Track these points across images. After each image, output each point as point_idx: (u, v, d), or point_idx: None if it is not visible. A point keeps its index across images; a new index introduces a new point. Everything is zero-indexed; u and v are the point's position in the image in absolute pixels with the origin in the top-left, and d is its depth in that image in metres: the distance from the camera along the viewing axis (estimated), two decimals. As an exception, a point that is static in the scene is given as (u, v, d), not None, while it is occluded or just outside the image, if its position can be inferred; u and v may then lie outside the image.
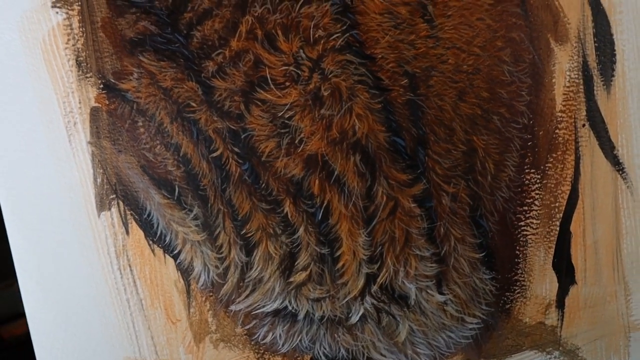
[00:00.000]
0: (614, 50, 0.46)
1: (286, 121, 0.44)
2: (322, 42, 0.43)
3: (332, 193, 0.45)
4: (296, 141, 0.44)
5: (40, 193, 0.44)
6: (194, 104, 0.43)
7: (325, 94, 0.44)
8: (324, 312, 0.47)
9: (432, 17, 0.44)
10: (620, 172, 0.48)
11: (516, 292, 0.48)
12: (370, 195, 0.45)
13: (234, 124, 0.44)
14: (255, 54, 0.43)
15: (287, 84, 0.43)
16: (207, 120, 0.44)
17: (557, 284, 0.49)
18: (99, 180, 0.44)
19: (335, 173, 0.45)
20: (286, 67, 0.43)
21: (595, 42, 0.46)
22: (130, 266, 0.45)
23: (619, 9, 0.45)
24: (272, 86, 0.43)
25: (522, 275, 0.48)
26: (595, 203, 0.48)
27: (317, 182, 0.45)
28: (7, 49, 0.42)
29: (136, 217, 0.45)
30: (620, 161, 0.47)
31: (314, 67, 0.43)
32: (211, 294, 0.46)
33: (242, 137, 0.44)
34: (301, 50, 0.43)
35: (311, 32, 0.43)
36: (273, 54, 0.43)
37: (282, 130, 0.44)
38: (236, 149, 0.44)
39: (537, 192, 0.47)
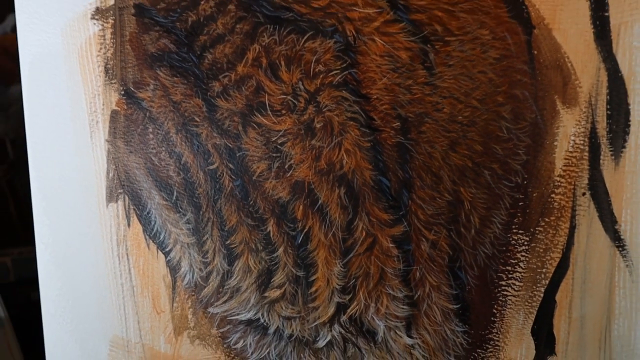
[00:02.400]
0: (629, 121, 0.43)
1: (278, 146, 0.46)
2: (321, 76, 0.45)
3: (314, 220, 0.47)
4: (286, 166, 0.46)
5: (62, 177, 0.50)
6: (197, 119, 0.47)
7: (318, 126, 0.46)
8: (293, 330, 0.49)
9: (433, 65, 0.44)
10: (620, 249, 0.45)
11: (489, 350, 0.47)
12: (350, 229, 0.47)
13: (231, 142, 0.47)
14: (258, 80, 0.46)
15: (284, 112, 0.46)
16: (207, 135, 0.47)
17: (534, 352, 0.47)
18: (110, 174, 0.49)
19: (319, 202, 0.46)
20: (284, 96, 0.46)
21: (608, 109, 0.43)
22: (127, 255, 0.50)
23: (639, 78, 0.43)
24: (269, 112, 0.46)
25: (497, 335, 0.47)
26: (587, 276, 0.45)
27: (301, 207, 0.47)
28: (50, 50, 0.48)
29: (137, 212, 0.50)
30: (622, 237, 0.45)
31: (310, 99, 0.45)
32: (193, 293, 0.50)
33: (237, 155, 0.47)
34: (300, 82, 0.45)
35: (312, 66, 0.45)
36: (274, 82, 0.46)
37: (274, 154, 0.46)
38: (231, 165, 0.47)
39: (523, 254, 0.46)
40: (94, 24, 0.48)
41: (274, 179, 0.47)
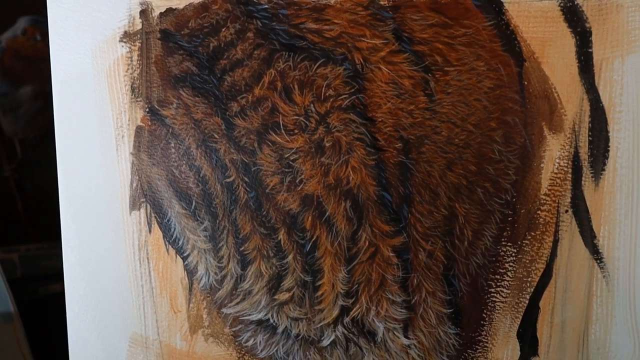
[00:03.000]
0: (608, 147, 0.48)
1: (290, 162, 0.51)
2: (331, 100, 0.49)
3: (322, 230, 0.51)
4: (297, 180, 0.51)
5: (89, 186, 0.54)
6: (216, 136, 0.51)
7: (327, 145, 0.50)
8: (300, 330, 0.53)
9: (433, 92, 0.48)
10: (598, 262, 0.50)
11: (478, 351, 0.52)
12: (355, 239, 0.51)
13: (247, 157, 0.51)
14: (273, 102, 0.50)
15: (296, 131, 0.50)
16: (225, 151, 0.52)
17: (519, 352, 0.52)
18: (134, 184, 0.54)
19: (327, 214, 0.51)
20: (297, 117, 0.50)
21: (589, 135, 0.48)
22: (148, 259, 0.54)
23: (618, 108, 0.47)
24: (282, 131, 0.50)
25: (486, 337, 0.52)
26: (568, 285, 0.50)
27: (310, 218, 0.51)
28: (81, 69, 0.53)
29: (158, 219, 0.54)
30: (600, 251, 0.49)
31: (321, 120, 0.50)
32: (209, 295, 0.54)
33: (252, 169, 0.51)
34: (312, 105, 0.50)
35: (323, 90, 0.49)
36: (288, 104, 0.50)
37: (286, 170, 0.51)
38: (246, 179, 0.52)
39: (511, 264, 0.50)
40: (122, 46, 0.52)
41: (285, 192, 0.51)
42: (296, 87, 0.50)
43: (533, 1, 0.47)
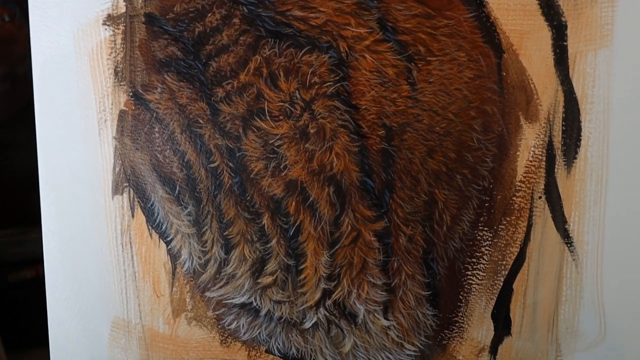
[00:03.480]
0: (580, 136, 0.50)
1: (275, 148, 0.51)
2: (316, 87, 0.50)
3: (305, 215, 0.52)
4: (281, 166, 0.52)
5: (71, 171, 0.54)
6: (201, 121, 0.52)
7: (312, 131, 0.51)
8: (282, 313, 0.55)
9: (415, 81, 0.50)
10: (569, 245, 0.52)
11: (454, 331, 0.54)
12: (337, 223, 0.52)
13: (231, 143, 0.52)
14: (259, 88, 0.51)
15: (281, 117, 0.51)
16: (210, 136, 0.52)
17: (493, 332, 0.54)
18: (117, 169, 0.53)
19: (310, 199, 0.52)
20: (282, 104, 0.51)
21: (563, 125, 0.50)
22: (130, 243, 0.54)
23: (590, 99, 0.50)
24: (268, 117, 0.51)
25: (462, 318, 0.54)
26: (540, 268, 0.53)
27: (293, 203, 0.52)
28: (62, 51, 0.52)
29: (141, 204, 0.54)
30: (570, 235, 0.52)
31: (306, 107, 0.51)
32: (192, 279, 0.55)
33: (237, 155, 0.52)
34: (297, 91, 0.50)
35: (308, 78, 0.50)
36: (273, 91, 0.51)
37: (271, 155, 0.52)
38: (231, 164, 0.52)
39: (487, 248, 0.53)
40: (106, 29, 0.51)
41: (270, 177, 0.52)
42: (282, 73, 0.50)
43: (512, -6, 0.49)
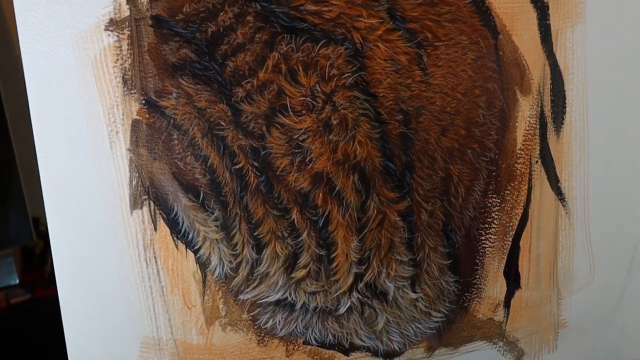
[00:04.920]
0: (565, 104, 0.57)
1: (300, 143, 0.52)
2: (335, 79, 0.51)
3: (333, 205, 0.54)
4: (306, 160, 0.52)
5: (81, 190, 0.50)
6: (223, 123, 0.51)
7: (335, 122, 0.52)
8: (317, 303, 0.56)
9: (426, 66, 0.53)
10: (562, 201, 0.59)
11: (473, 293, 0.59)
12: (364, 209, 0.54)
13: (255, 142, 0.51)
14: (279, 84, 0.51)
15: (304, 112, 0.51)
16: (233, 137, 0.51)
17: (505, 288, 0.60)
18: (134, 182, 0.51)
19: (337, 188, 0.53)
20: (304, 98, 0.51)
21: (551, 95, 0.56)
22: (155, 258, 0.52)
23: (571, 70, 0.56)
24: (290, 113, 0.51)
25: (479, 280, 0.59)
26: (540, 224, 0.59)
27: (321, 195, 0.53)
28: (61, 63, 0.48)
29: (164, 216, 0.52)
30: (562, 192, 0.59)
31: (327, 99, 0.52)
32: (224, 284, 0.54)
33: (262, 153, 0.52)
34: (317, 85, 0.51)
35: (326, 70, 0.51)
36: (294, 86, 0.51)
37: (296, 150, 0.52)
38: (255, 163, 0.52)
39: (496, 213, 0.58)
40: (109, 35, 0.48)
41: (296, 172, 0.52)
42: (300, 68, 0.51)
43: (502, -20, 0.53)
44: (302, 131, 0.52)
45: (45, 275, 1.10)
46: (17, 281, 1.04)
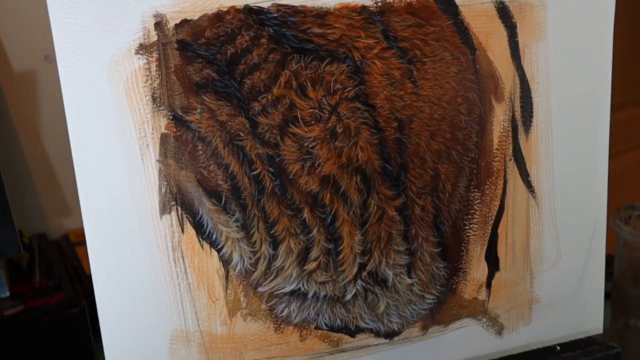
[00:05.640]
0: (532, 109, 0.66)
1: (309, 150, 0.59)
2: (339, 92, 0.59)
3: (339, 203, 0.61)
4: (315, 164, 0.59)
5: (115, 199, 0.55)
6: (242, 134, 0.57)
7: (339, 131, 0.59)
8: (327, 292, 0.63)
9: (416, 79, 0.61)
10: (532, 193, 0.68)
11: (460, 276, 0.67)
12: (365, 206, 0.62)
13: (271, 150, 0.58)
14: (291, 99, 0.57)
15: (313, 122, 0.58)
16: (251, 147, 0.57)
17: (487, 271, 0.68)
18: (163, 190, 0.56)
19: (342, 189, 0.60)
20: (312, 110, 0.58)
21: (520, 102, 0.65)
22: (183, 258, 0.58)
23: (536, 80, 0.65)
24: (301, 124, 0.58)
25: (465, 264, 0.67)
26: (515, 213, 0.68)
27: (328, 195, 0.60)
28: (96, 83, 0.53)
29: (190, 219, 0.57)
30: (532, 185, 0.68)
31: (332, 111, 0.59)
32: (244, 279, 0.60)
33: (276, 160, 0.58)
34: (324, 98, 0.58)
35: (331, 85, 0.58)
36: (303, 100, 0.58)
37: (306, 156, 0.59)
38: (271, 169, 0.58)
39: (478, 205, 0.66)
40: (139, 58, 0.54)
41: (306, 176, 0.59)
42: (309, 84, 0.58)
43: (477, 4, 0.62)
44: (311, 139, 0.58)
45: (35, 287, 1.12)
46: (8, 294, 1.05)
